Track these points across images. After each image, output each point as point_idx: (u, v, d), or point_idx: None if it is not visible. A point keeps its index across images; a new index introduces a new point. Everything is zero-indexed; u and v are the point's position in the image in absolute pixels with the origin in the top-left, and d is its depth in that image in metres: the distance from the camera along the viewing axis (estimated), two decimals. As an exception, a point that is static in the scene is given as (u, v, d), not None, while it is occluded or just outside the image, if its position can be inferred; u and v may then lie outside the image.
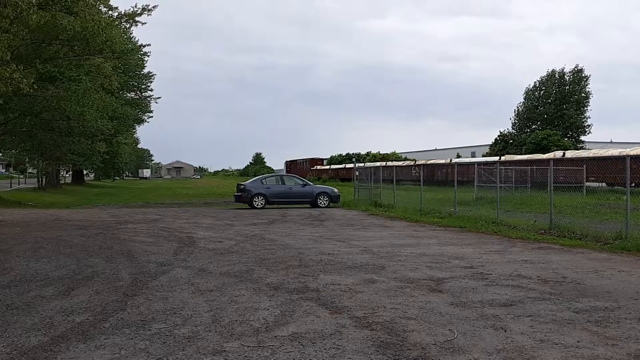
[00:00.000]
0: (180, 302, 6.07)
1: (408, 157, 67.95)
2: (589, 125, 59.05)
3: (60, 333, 4.93)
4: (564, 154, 37.44)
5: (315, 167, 75.26)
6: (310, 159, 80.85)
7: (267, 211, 21.72)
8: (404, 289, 6.78)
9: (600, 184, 26.86)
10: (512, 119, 62.07)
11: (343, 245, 11.06)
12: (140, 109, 49.94)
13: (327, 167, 72.50)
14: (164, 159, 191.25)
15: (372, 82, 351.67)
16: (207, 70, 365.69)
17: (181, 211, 22.19)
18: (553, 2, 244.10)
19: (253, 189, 23.65)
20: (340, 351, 4.42)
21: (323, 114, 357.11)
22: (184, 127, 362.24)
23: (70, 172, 64.66)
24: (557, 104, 58.36)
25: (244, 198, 23.47)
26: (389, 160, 58.35)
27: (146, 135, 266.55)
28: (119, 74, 30.79)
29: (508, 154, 49.81)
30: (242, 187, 24.10)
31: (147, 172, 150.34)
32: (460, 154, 62.95)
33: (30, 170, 68.63)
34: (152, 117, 54.16)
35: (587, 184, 26.49)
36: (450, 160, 48.25)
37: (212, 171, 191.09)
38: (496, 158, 41.15)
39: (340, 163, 73.18)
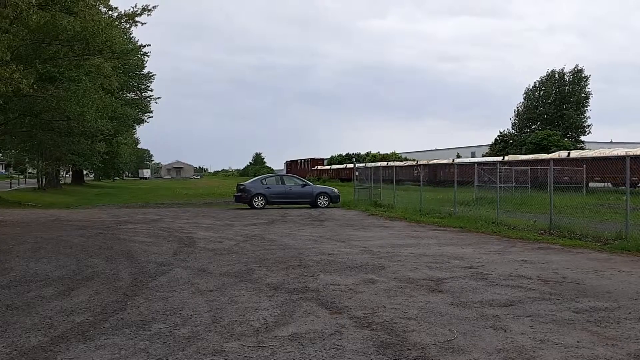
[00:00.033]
0: (180, 302, 6.07)
1: (408, 157, 67.97)
2: (588, 126, 59.10)
3: (60, 333, 4.93)
4: (568, 154, 37.11)
5: (316, 167, 75.17)
6: (311, 159, 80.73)
7: (267, 211, 21.72)
8: (403, 289, 6.78)
9: (606, 184, 26.66)
10: (512, 119, 62.12)
11: (343, 246, 11.06)
12: (140, 109, 49.96)
13: (328, 167, 72.40)
14: (163, 159, 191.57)
15: (372, 82, 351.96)
16: (207, 71, 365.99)
17: (181, 211, 22.19)
18: (553, 2, 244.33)
19: (253, 189, 23.65)
20: (340, 351, 4.42)
21: (323, 114, 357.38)
22: (183, 127, 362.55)
23: (70, 173, 64.68)
24: (557, 104, 58.38)
25: (244, 198, 23.47)
26: (389, 161, 58.37)
27: (146, 135, 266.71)
28: (119, 74, 30.81)
29: (508, 154, 49.79)
30: (242, 187, 24.10)
31: (147, 173, 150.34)
32: (460, 154, 62.95)
33: (30, 171, 68.67)
34: (152, 117, 54.31)
35: (593, 184, 26.33)
36: (453, 160, 48.06)
37: (212, 171, 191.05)
38: (499, 158, 40.83)
39: (340, 163, 73.14)
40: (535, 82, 61.33)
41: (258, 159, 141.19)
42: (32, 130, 27.59)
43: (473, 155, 62.51)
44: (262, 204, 23.23)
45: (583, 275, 7.78)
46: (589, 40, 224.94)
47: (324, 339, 4.73)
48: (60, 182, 51.09)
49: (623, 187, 13.29)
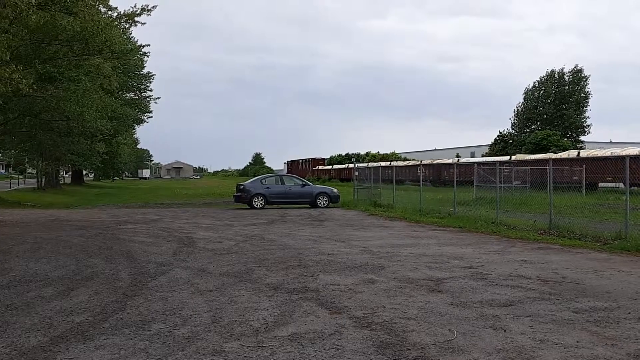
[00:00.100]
0: (179, 303, 6.07)
1: (408, 157, 67.98)
2: (588, 126, 59.15)
3: (60, 333, 4.93)
4: (578, 153, 36.67)
5: (317, 167, 75.03)
6: (311, 159, 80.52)
7: (266, 211, 21.72)
8: (403, 289, 6.78)
9: (618, 184, 26.14)
10: (511, 119, 62.15)
11: (343, 246, 11.06)
12: (140, 109, 49.95)
13: (329, 167, 72.27)
14: (163, 159, 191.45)
15: (372, 82, 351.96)
16: (207, 70, 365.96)
17: (181, 211, 22.19)
18: (553, 2, 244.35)
19: (252, 189, 23.65)
20: (340, 351, 4.42)
21: (323, 114, 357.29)
22: (183, 127, 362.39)
23: (70, 173, 64.66)
24: (557, 104, 58.41)
25: (244, 198, 23.47)
26: (388, 160, 58.33)
27: (146, 135, 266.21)
28: (119, 74, 30.80)
29: (508, 154, 49.76)
30: (242, 187, 24.10)
31: (146, 173, 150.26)
32: (459, 154, 62.94)
33: (29, 171, 68.65)
34: (151, 117, 54.24)
35: (604, 184, 25.98)
36: (458, 159, 47.81)
37: (212, 171, 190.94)
38: (506, 158, 40.44)
39: (340, 163, 73.12)
40: (534, 82, 61.41)
41: (258, 159, 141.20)
42: (32, 130, 27.58)
43: (473, 155, 62.51)
44: (261, 204, 23.23)
45: (583, 275, 7.78)
46: (589, 40, 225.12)
47: (323, 339, 4.73)
48: (60, 182, 51.08)
49: (633, 188, 13.18)
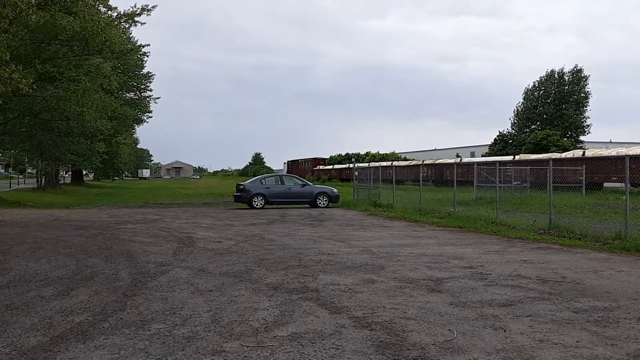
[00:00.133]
0: (179, 302, 6.07)
1: (407, 157, 68.00)
2: (588, 126, 59.15)
3: (60, 333, 4.93)
4: (583, 152, 36.30)
5: (318, 167, 74.85)
6: (312, 158, 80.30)
7: (266, 211, 21.72)
8: (403, 289, 6.79)
9: (623, 184, 25.80)
10: (511, 119, 62.14)
11: (342, 246, 11.06)
12: (140, 109, 49.93)
13: (330, 167, 72.14)
14: (163, 159, 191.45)
15: (372, 82, 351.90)
16: (207, 70, 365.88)
17: (180, 211, 22.19)
18: (553, 2, 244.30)
19: (252, 189, 23.65)
20: (340, 351, 4.42)
21: (323, 114, 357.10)
22: (183, 127, 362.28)
23: (70, 173, 64.65)
24: (557, 104, 58.41)
25: (244, 198, 23.47)
26: (388, 160, 58.31)
27: (145, 135, 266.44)
28: (118, 74, 30.79)
29: (507, 154, 49.76)
30: (242, 187, 24.10)
31: (146, 172, 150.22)
32: (459, 154, 62.94)
33: (29, 171, 68.64)
34: (151, 117, 54.21)
35: (609, 184, 25.75)
36: (461, 159, 47.63)
37: (212, 171, 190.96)
38: (510, 157, 40.17)
39: (339, 163, 73.08)
40: (534, 82, 61.41)
41: (257, 159, 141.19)
42: (32, 130, 27.57)
43: (472, 155, 62.50)
44: (261, 204, 23.23)
45: (582, 275, 7.78)
46: (589, 40, 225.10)
47: (323, 339, 4.73)
48: (60, 182, 51.06)
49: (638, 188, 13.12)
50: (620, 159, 17.55)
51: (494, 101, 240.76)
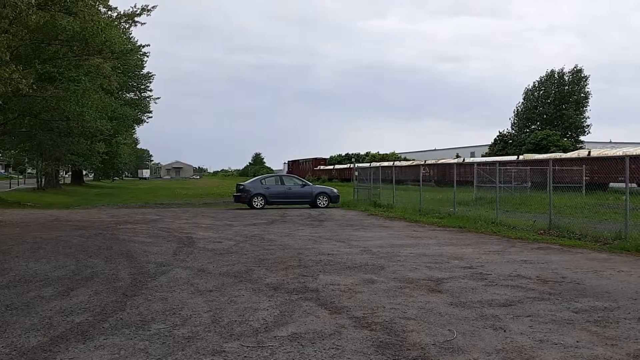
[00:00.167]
0: (179, 303, 6.07)
1: (407, 157, 67.98)
2: (588, 126, 59.14)
3: (60, 333, 4.93)
4: (589, 152, 36.09)
5: (318, 167, 74.64)
6: (313, 158, 80.00)
7: (266, 211, 21.73)
8: (403, 289, 6.79)
9: (631, 184, 25.22)
10: (511, 119, 62.14)
11: (342, 246, 11.06)
12: (140, 109, 49.94)
13: (331, 167, 71.98)
14: (163, 159, 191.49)
15: (372, 82, 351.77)
16: (206, 70, 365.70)
17: (180, 211, 22.19)
18: (553, 2, 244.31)
19: (252, 189, 23.65)
20: (340, 351, 4.42)
21: (323, 114, 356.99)
22: (183, 127, 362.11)
23: (70, 173, 64.65)
24: (557, 104, 58.41)
25: (244, 198, 23.47)
26: (388, 161, 58.29)
27: (145, 135, 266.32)
28: (118, 74, 30.79)
29: (507, 154, 49.74)
30: (242, 187, 24.10)
31: (146, 173, 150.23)
32: (459, 154, 62.94)
33: (29, 171, 68.67)
34: (151, 117, 54.19)
35: (615, 184, 25.47)
36: (464, 160, 47.50)
37: (212, 171, 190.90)
38: (514, 157, 39.91)
39: (339, 163, 73.02)
40: (534, 82, 61.41)
41: (257, 159, 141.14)
42: (32, 130, 27.58)
43: (472, 155, 62.48)
44: (261, 204, 23.23)
45: (582, 275, 7.78)
46: (589, 40, 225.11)
47: (323, 339, 4.73)
48: (60, 183, 51.06)
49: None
50: (620, 159, 17.48)
51: (494, 101, 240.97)
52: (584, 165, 25.84)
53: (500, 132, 59.51)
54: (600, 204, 17.73)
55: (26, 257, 9.43)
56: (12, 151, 47.08)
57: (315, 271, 8.04)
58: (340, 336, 4.82)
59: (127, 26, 20.84)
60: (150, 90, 50.07)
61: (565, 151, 44.86)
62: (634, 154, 24.90)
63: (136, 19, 19.52)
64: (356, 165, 35.22)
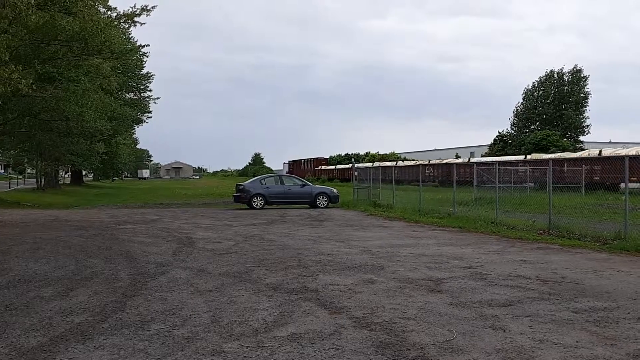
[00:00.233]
0: (179, 303, 6.07)
1: (407, 158, 67.99)
2: (587, 126, 59.20)
3: (59, 333, 4.92)
4: (600, 152, 35.98)
5: (319, 167, 74.47)
6: (314, 158, 79.76)
7: (266, 211, 21.72)
8: (403, 289, 6.79)
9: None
10: (511, 119, 62.17)
11: (342, 246, 11.06)
12: (139, 109, 49.93)
13: (333, 167, 71.85)
14: (163, 159, 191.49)
15: (372, 82, 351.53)
16: (206, 70, 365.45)
17: (180, 212, 22.19)
18: (553, 2, 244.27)
19: (252, 190, 23.65)
20: (340, 351, 4.42)
21: (323, 114, 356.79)
22: (183, 127, 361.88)
23: (69, 173, 64.64)
24: (556, 104, 58.45)
25: (243, 198, 23.47)
26: (388, 161, 58.30)
27: (145, 135, 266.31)
28: (118, 74, 30.78)
29: (507, 154, 49.76)
30: (241, 187, 24.10)
31: (146, 173, 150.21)
32: (459, 154, 62.96)
33: (29, 171, 68.68)
34: (150, 117, 54.14)
35: (630, 185, 24.91)
36: (469, 159, 47.41)
37: (211, 171, 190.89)
38: (521, 157, 39.71)
39: (340, 163, 72.99)
40: (534, 82, 61.45)
41: (257, 159, 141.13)
42: (31, 130, 27.57)
43: (472, 155, 62.51)
44: (261, 204, 23.23)
45: (582, 275, 7.78)
46: (589, 40, 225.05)
47: (323, 339, 4.73)
48: (59, 183, 51.05)
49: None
50: (620, 159, 17.43)
51: (494, 101, 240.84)
52: (599, 166, 25.31)
53: (499, 132, 59.58)
54: (599, 204, 17.73)
55: (26, 257, 9.43)
56: (12, 151, 47.10)
57: (314, 271, 8.04)
58: (339, 336, 4.82)
59: (126, 26, 20.85)
60: (150, 91, 50.13)
61: (565, 151, 44.86)
62: (622, 154, 24.72)
63: (136, 19, 19.53)
64: (356, 165, 35.24)
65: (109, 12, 19.66)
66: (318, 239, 12.35)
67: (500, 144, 57.29)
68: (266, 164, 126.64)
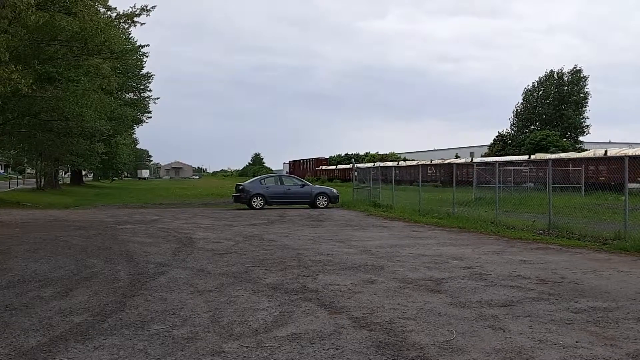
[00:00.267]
0: (179, 303, 6.06)
1: (407, 158, 68.02)
2: (587, 126, 59.26)
3: (59, 334, 4.92)
4: (605, 151, 35.70)
5: (320, 167, 74.35)
6: (315, 159, 79.62)
7: (266, 212, 21.72)
8: (402, 290, 6.79)
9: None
10: (510, 119, 62.23)
11: (342, 246, 11.06)
12: (139, 109, 49.91)
13: (334, 167, 71.77)
14: (162, 159, 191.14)
15: (372, 82, 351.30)
16: (207, 71, 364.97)
17: (180, 212, 22.19)
18: (553, 2, 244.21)
19: (252, 190, 23.65)
20: (339, 351, 4.42)
21: (323, 114, 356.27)
22: (182, 127, 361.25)
23: (69, 173, 64.61)
24: (556, 104, 58.50)
25: (243, 198, 23.47)
26: (387, 161, 58.31)
27: (145, 135, 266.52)
28: (118, 74, 30.76)
29: (506, 154, 49.78)
30: (241, 187, 24.10)
31: (145, 173, 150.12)
32: (458, 155, 62.98)
33: (29, 171, 68.59)
34: (150, 117, 54.12)
35: (634, 185, 24.85)
36: (472, 159, 47.42)
37: (211, 172, 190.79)
38: (525, 157, 39.58)
39: (339, 163, 72.96)
40: (534, 83, 61.51)
41: (257, 160, 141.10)
42: (31, 130, 27.55)
43: (472, 155, 62.53)
44: (261, 205, 23.23)
45: (582, 276, 7.78)
46: (589, 41, 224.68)
47: (322, 339, 4.73)
48: (59, 183, 51.02)
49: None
50: (619, 159, 17.42)
51: (494, 101, 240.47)
52: (605, 166, 25.23)
53: (499, 133, 59.65)
54: (599, 204, 17.73)
55: (25, 258, 9.42)
56: (12, 151, 47.01)
57: (314, 271, 8.05)
58: (339, 336, 4.82)
59: (126, 26, 20.84)
60: (150, 91, 50.11)
61: (564, 151, 44.86)
62: (630, 154, 24.61)
63: (135, 19, 19.53)
64: (356, 165, 35.24)
65: (108, 12, 19.67)
66: (318, 239, 12.35)
67: (500, 144, 57.34)
68: (266, 164, 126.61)
